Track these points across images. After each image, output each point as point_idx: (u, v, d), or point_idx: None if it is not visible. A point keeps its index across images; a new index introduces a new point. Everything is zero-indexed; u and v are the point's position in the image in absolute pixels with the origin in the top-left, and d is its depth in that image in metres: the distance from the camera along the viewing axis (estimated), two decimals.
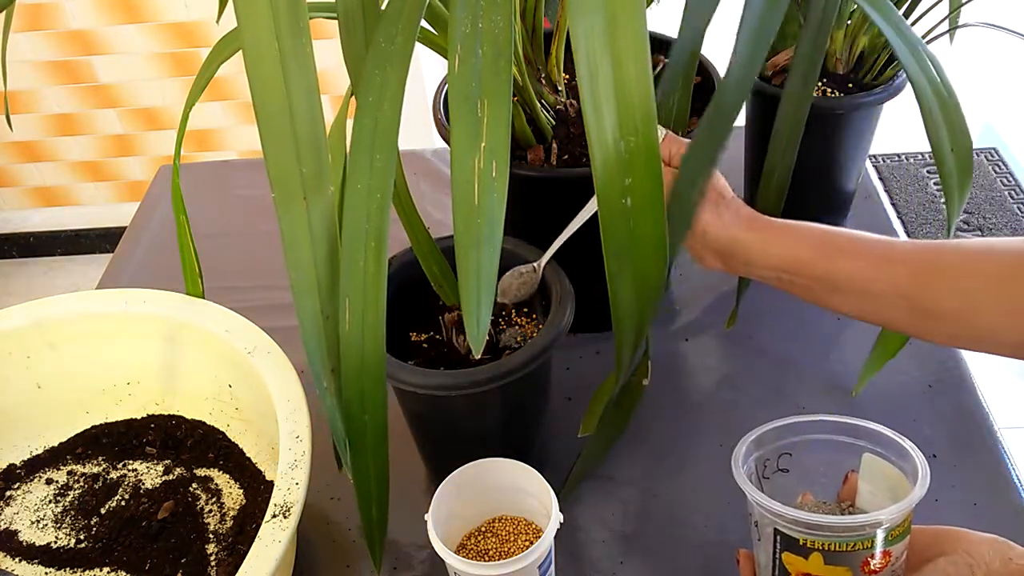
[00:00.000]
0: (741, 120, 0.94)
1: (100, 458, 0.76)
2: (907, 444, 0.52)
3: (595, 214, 0.54)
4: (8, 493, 0.74)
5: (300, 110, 0.42)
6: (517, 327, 0.68)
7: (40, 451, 0.77)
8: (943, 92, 0.66)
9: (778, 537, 0.50)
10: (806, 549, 0.48)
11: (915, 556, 0.50)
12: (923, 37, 0.82)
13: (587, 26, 0.40)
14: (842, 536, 0.47)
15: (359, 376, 0.46)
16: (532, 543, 0.61)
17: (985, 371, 1.72)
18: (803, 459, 0.55)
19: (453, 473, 0.62)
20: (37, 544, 0.70)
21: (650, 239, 0.44)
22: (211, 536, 0.69)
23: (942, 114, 0.66)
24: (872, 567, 0.48)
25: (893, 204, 2.13)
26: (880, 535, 0.47)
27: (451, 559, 0.57)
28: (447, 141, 0.69)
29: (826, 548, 0.48)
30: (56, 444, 0.77)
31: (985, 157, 2.23)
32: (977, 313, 0.51)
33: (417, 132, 1.74)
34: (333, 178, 0.55)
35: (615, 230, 0.43)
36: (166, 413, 0.78)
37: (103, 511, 0.72)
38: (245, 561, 0.54)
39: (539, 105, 0.74)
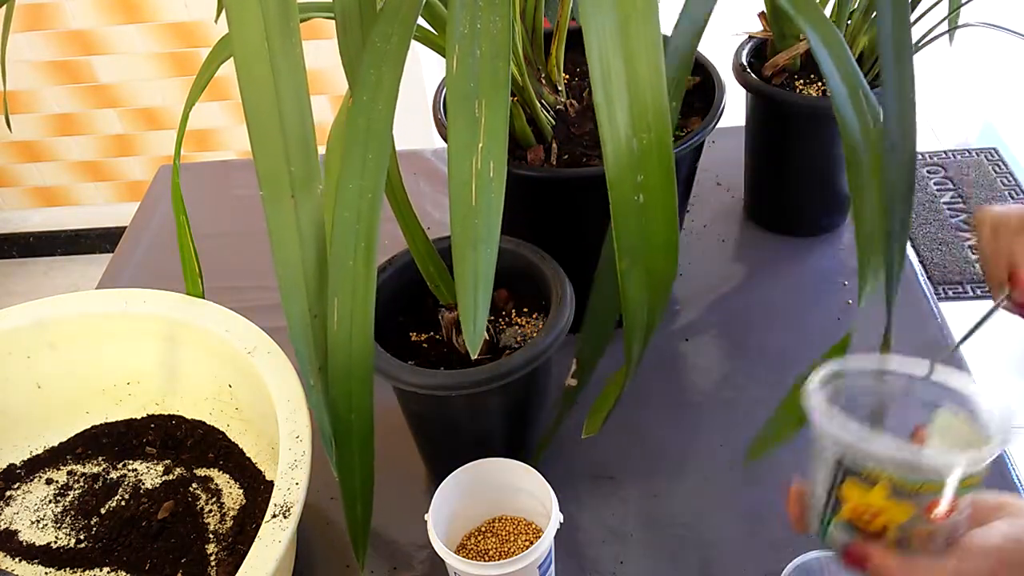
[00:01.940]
0: (741, 120, 0.94)
1: (100, 458, 0.76)
2: (987, 397, 0.48)
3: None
4: (8, 493, 0.74)
5: (289, 109, 0.42)
6: (517, 327, 0.68)
7: (40, 451, 0.77)
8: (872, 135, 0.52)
9: (844, 465, 0.47)
10: (871, 480, 0.46)
11: (976, 519, 0.48)
12: (923, 37, 0.82)
13: (599, 23, 0.40)
14: (913, 474, 0.45)
15: (346, 375, 0.46)
16: (532, 543, 0.61)
17: (985, 371, 1.73)
18: (873, 404, 0.52)
19: (453, 473, 0.62)
20: (37, 544, 0.70)
21: (661, 236, 0.44)
22: (211, 536, 0.69)
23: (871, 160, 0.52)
24: (936, 514, 0.46)
25: None
26: (954, 480, 0.45)
27: (451, 559, 0.57)
28: (446, 141, 0.69)
29: (892, 483, 0.45)
30: (56, 444, 0.77)
31: (985, 157, 2.23)
32: None
33: (417, 132, 1.74)
34: (331, 178, 0.55)
35: (627, 227, 0.43)
36: (166, 413, 0.78)
37: (103, 511, 0.72)
38: (245, 561, 0.54)
39: (539, 105, 0.74)
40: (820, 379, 0.50)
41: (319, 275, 0.44)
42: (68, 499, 0.73)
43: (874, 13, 0.81)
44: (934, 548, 0.47)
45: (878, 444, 0.45)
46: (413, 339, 0.69)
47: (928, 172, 2.20)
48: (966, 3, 0.82)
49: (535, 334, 0.67)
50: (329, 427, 0.48)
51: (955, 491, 0.45)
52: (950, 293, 1.88)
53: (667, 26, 0.73)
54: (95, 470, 0.75)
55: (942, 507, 0.45)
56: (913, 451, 0.45)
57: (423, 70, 1.79)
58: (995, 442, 0.45)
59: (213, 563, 0.67)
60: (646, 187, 0.43)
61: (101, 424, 0.78)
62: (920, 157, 2.25)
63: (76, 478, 0.75)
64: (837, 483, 0.48)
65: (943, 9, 0.81)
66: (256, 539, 0.55)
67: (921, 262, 1.94)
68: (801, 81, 0.88)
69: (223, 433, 0.76)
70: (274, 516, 0.57)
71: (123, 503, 0.72)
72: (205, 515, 0.71)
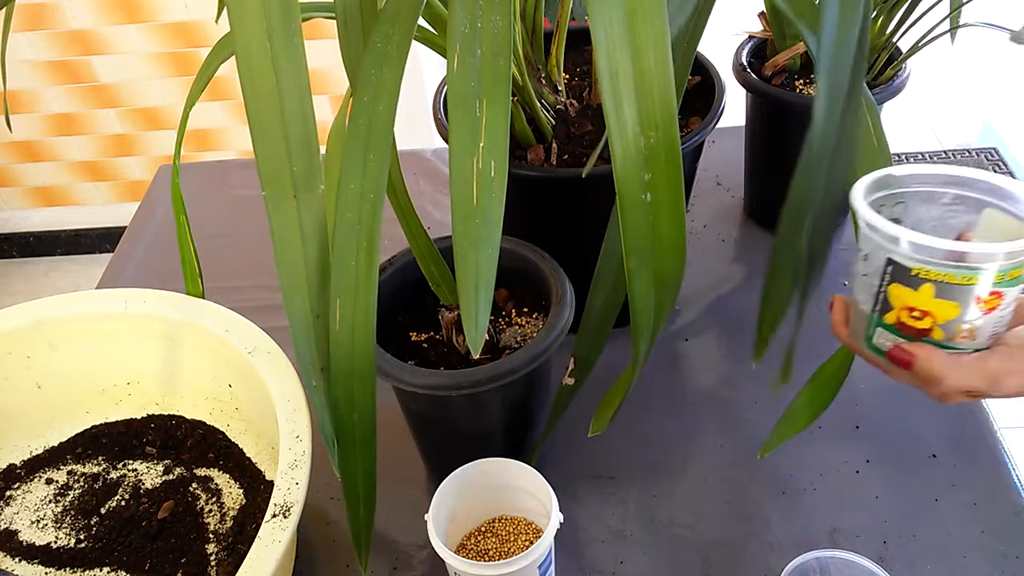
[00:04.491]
0: (741, 120, 0.94)
1: (100, 458, 0.76)
2: None
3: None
4: (8, 493, 0.74)
5: (291, 109, 0.42)
6: (517, 327, 0.68)
7: (40, 451, 0.77)
8: (874, 142, 0.57)
9: (889, 267, 0.47)
10: (918, 280, 0.46)
11: (1017, 319, 0.48)
12: (923, 37, 0.82)
13: (606, 20, 0.40)
14: (959, 266, 0.45)
15: (348, 376, 0.46)
16: (532, 543, 0.61)
17: None
18: (918, 211, 0.52)
19: (453, 473, 0.62)
20: (37, 544, 0.70)
21: (669, 235, 0.44)
22: (211, 536, 0.69)
23: (867, 165, 0.55)
24: (981, 307, 0.46)
25: None
26: (995, 268, 0.45)
27: (451, 559, 0.57)
28: (447, 141, 0.69)
29: (940, 280, 0.45)
30: (56, 444, 0.77)
31: (985, 157, 2.23)
32: None
33: (417, 132, 1.74)
34: (331, 178, 0.55)
35: (635, 226, 0.43)
36: (166, 413, 0.78)
37: (103, 511, 0.72)
38: (245, 561, 0.54)
39: (539, 105, 0.74)
40: (867, 185, 0.50)
41: (321, 275, 0.44)
42: (68, 499, 0.73)
43: (874, 13, 0.81)
44: (980, 343, 0.47)
45: (924, 238, 0.45)
46: (413, 339, 0.69)
47: None
48: (966, 3, 0.82)
49: (535, 334, 0.67)
50: (331, 428, 0.48)
51: (998, 282, 0.45)
52: None
53: None
54: (95, 470, 0.75)
55: (982, 292, 0.45)
56: (957, 243, 0.45)
57: (423, 70, 1.79)
58: None
59: (213, 563, 0.67)
60: (654, 185, 0.43)
61: (101, 424, 0.78)
62: (920, 157, 2.25)
63: (76, 478, 0.75)
64: (885, 285, 0.48)
65: (943, 9, 0.81)
66: (256, 539, 0.55)
67: None
68: (801, 81, 0.88)
69: (223, 433, 0.76)
70: (274, 516, 0.57)
71: (123, 503, 0.72)
72: (205, 515, 0.71)
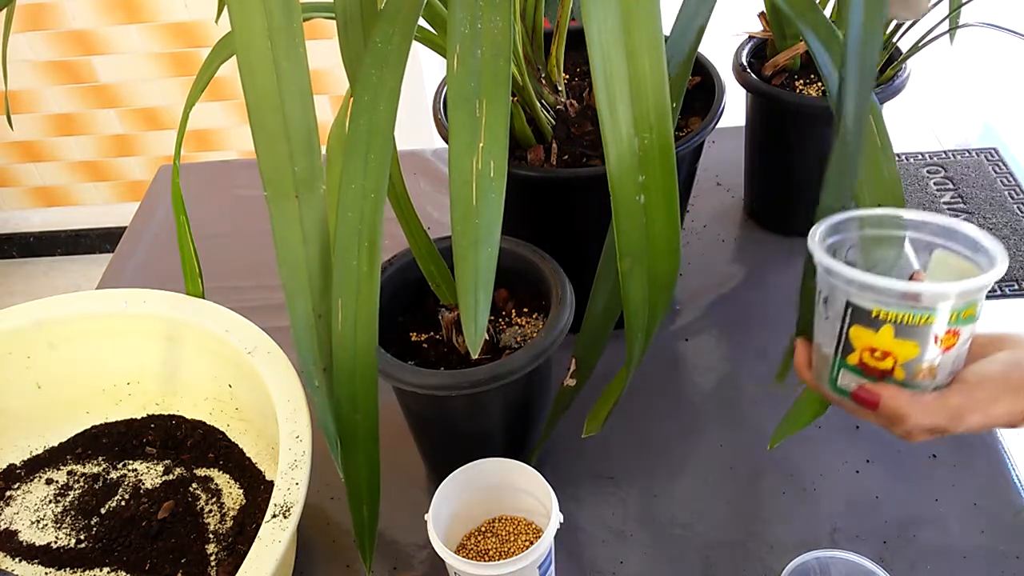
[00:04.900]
0: (741, 120, 0.94)
1: (100, 458, 0.76)
2: (983, 237, 0.50)
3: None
4: (8, 493, 0.74)
5: (293, 109, 0.42)
6: (517, 327, 0.68)
7: (40, 451, 0.77)
8: (876, 142, 0.57)
9: (849, 310, 0.48)
10: (878, 321, 0.47)
11: (974, 355, 0.49)
12: (923, 37, 0.82)
13: (601, 21, 0.40)
14: (917, 307, 0.46)
15: (351, 376, 0.46)
16: (532, 543, 0.61)
17: None
18: (872, 255, 0.54)
19: (453, 473, 0.62)
20: (37, 544, 0.70)
21: (663, 236, 0.44)
22: (211, 536, 0.69)
23: (870, 162, 0.56)
24: (939, 345, 0.47)
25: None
26: (951, 306, 0.46)
27: (451, 559, 0.57)
28: (447, 141, 0.69)
29: (898, 320, 0.47)
30: (56, 444, 0.77)
31: (985, 157, 2.23)
32: None
33: (417, 132, 1.74)
34: (332, 178, 0.55)
35: (628, 227, 0.44)
36: (166, 413, 0.78)
37: (103, 511, 0.72)
38: (245, 561, 0.54)
39: (539, 105, 0.74)
40: (823, 230, 0.52)
41: (323, 275, 0.45)
42: (68, 499, 0.73)
43: None
44: (940, 382, 0.48)
45: (882, 280, 0.46)
46: (413, 339, 0.69)
47: (928, 172, 2.20)
48: (966, 3, 0.82)
49: (535, 334, 0.67)
50: (334, 429, 0.48)
51: (954, 320, 0.47)
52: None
53: (666, 26, 0.73)
54: (95, 470, 0.75)
55: (939, 331, 0.46)
56: (912, 284, 0.46)
57: (423, 70, 1.79)
58: (986, 271, 0.47)
59: (213, 563, 0.67)
60: (648, 187, 0.43)
61: (101, 424, 0.78)
62: (920, 157, 2.25)
63: (76, 478, 0.75)
64: (846, 328, 0.49)
65: (943, 9, 0.81)
66: (256, 539, 0.55)
67: None
68: (801, 81, 0.88)
69: (223, 433, 0.76)
70: (274, 516, 0.57)
71: (123, 503, 0.72)
72: (205, 515, 0.71)
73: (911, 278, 0.52)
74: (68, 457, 0.76)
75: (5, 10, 0.59)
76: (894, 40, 0.85)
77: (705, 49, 0.76)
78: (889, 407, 0.48)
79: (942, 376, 0.49)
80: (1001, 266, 0.47)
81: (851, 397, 0.50)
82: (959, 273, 0.50)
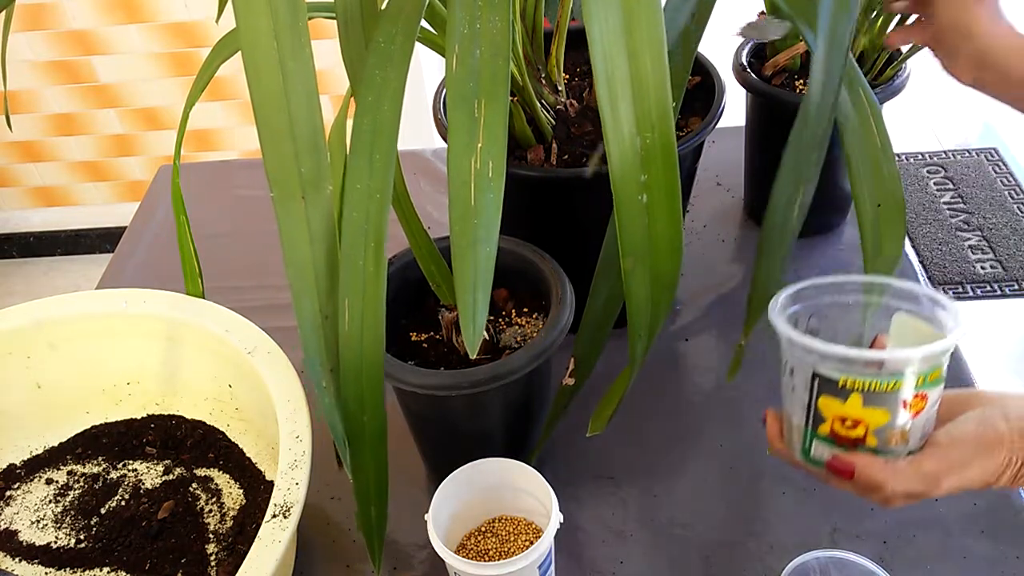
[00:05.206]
0: (741, 120, 0.94)
1: (100, 458, 0.76)
2: (942, 299, 0.50)
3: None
4: (8, 493, 0.74)
5: (299, 109, 0.42)
6: (517, 327, 0.68)
7: (40, 451, 0.77)
8: (876, 142, 0.58)
9: (816, 381, 0.48)
10: (845, 391, 0.48)
11: (946, 415, 0.50)
12: None
13: (602, 21, 0.40)
14: (882, 374, 0.47)
15: (358, 376, 0.46)
16: (532, 543, 0.61)
17: (985, 371, 1.72)
18: (834, 322, 0.54)
19: (453, 473, 0.62)
20: (37, 544, 0.70)
21: (666, 235, 0.44)
22: (211, 536, 0.69)
23: (870, 162, 0.57)
24: (908, 410, 0.47)
25: None
26: (915, 372, 0.47)
27: (451, 559, 0.57)
28: (446, 141, 0.69)
29: (866, 388, 0.47)
30: (56, 444, 0.77)
31: (985, 157, 2.23)
32: None
33: (417, 132, 1.74)
34: (333, 178, 0.55)
35: (631, 227, 0.44)
36: (166, 413, 0.78)
37: (103, 511, 0.72)
38: (245, 561, 0.54)
39: (539, 105, 0.74)
40: (783, 300, 0.52)
41: (330, 276, 0.44)
42: (68, 499, 0.73)
43: (874, 12, 0.81)
44: (913, 446, 0.49)
45: (844, 350, 0.47)
46: (413, 339, 0.69)
47: (928, 172, 2.20)
48: None
49: (535, 334, 0.67)
50: (342, 429, 0.48)
51: (920, 384, 0.47)
52: (950, 293, 1.88)
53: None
54: (95, 470, 0.75)
55: (907, 396, 0.47)
56: (877, 352, 0.47)
57: (423, 70, 1.79)
58: (947, 334, 0.48)
59: (213, 563, 0.67)
60: (650, 186, 0.43)
61: (101, 424, 0.78)
62: (920, 157, 2.25)
63: (76, 478, 0.75)
64: (814, 399, 0.49)
65: None
66: (256, 539, 0.55)
67: (921, 262, 1.94)
68: (801, 81, 0.88)
69: (223, 433, 0.76)
70: (274, 516, 0.57)
71: (123, 503, 0.72)
72: (205, 515, 0.71)
73: (873, 342, 0.53)
74: (68, 457, 0.76)
75: (5, 10, 0.59)
76: None
77: (705, 49, 0.76)
78: (864, 476, 0.48)
79: (915, 440, 0.49)
80: (962, 327, 0.48)
81: (825, 467, 0.50)
82: (920, 335, 0.50)
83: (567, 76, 0.83)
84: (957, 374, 0.80)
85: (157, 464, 0.75)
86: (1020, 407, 0.48)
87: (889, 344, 0.52)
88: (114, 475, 0.75)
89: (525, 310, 0.70)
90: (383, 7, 0.47)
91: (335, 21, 0.50)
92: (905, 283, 0.51)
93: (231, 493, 0.72)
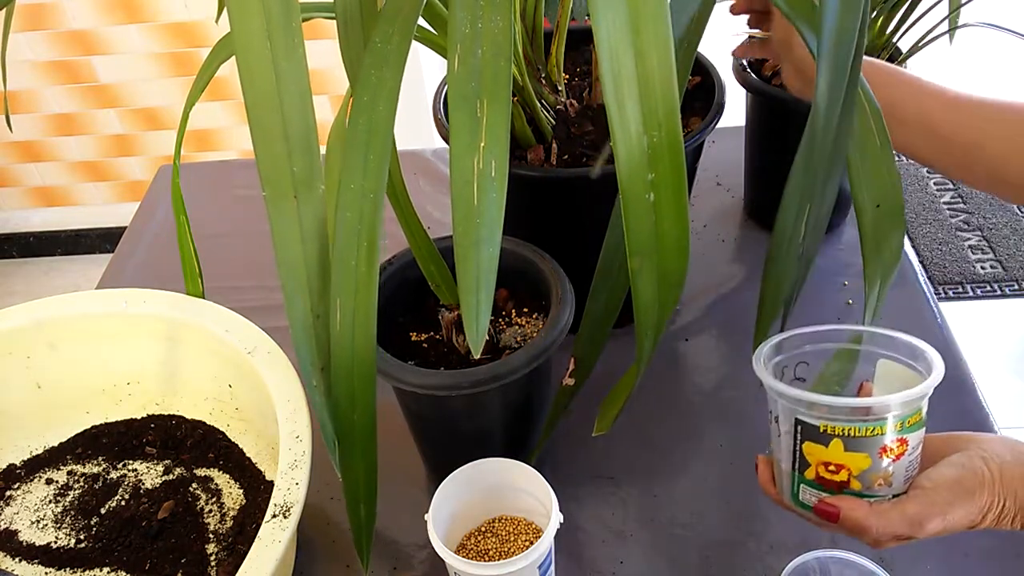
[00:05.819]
0: (741, 120, 0.94)
1: (100, 458, 0.76)
2: (921, 344, 0.52)
3: None
4: (8, 493, 0.74)
5: (292, 109, 0.42)
6: (517, 327, 0.68)
7: (40, 451, 0.77)
8: (876, 141, 0.58)
9: (799, 427, 0.50)
10: (826, 436, 0.49)
11: (928, 459, 0.51)
12: (923, 37, 0.82)
13: (609, 20, 0.40)
14: (861, 420, 0.48)
15: (349, 376, 0.46)
16: (532, 543, 0.61)
17: (985, 371, 1.73)
18: (820, 368, 0.56)
19: (453, 473, 0.62)
20: (37, 544, 0.70)
21: (673, 234, 0.45)
22: (211, 536, 0.69)
23: (870, 162, 0.57)
24: (889, 454, 0.49)
25: None
26: (894, 417, 0.48)
27: (451, 559, 0.57)
28: (447, 141, 0.68)
29: (846, 434, 0.49)
30: (56, 444, 0.77)
31: None
32: (985, 148, 0.55)
33: (417, 132, 1.74)
34: (331, 178, 0.55)
35: (638, 226, 0.44)
36: (166, 413, 0.78)
37: (103, 511, 0.72)
38: (245, 561, 0.54)
39: (539, 105, 0.74)
40: (767, 351, 0.54)
41: (321, 275, 0.44)
42: (68, 499, 0.73)
43: (874, 13, 0.81)
44: (896, 489, 0.50)
45: (823, 398, 0.49)
46: (413, 339, 0.69)
47: (928, 172, 2.20)
48: (966, 3, 0.82)
49: (535, 334, 0.67)
50: (332, 428, 0.48)
51: (900, 429, 0.48)
52: (950, 293, 1.88)
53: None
54: (95, 470, 0.75)
55: (889, 442, 0.48)
56: (855, 400, 0.49)
57: (423, 70, 1.79)
58: (925, 379, 0.49)
59: (213, 563, 0.67)
60: (657, 185, 0.43)
61: (101, 424, 0.78)
62: None
63: (76, 478, 0.75)
64: (799, 445, 0.51)
65: (943, 9, 0.81)
66: (256, 539, 0.55)
67: (921, 262, 1.94)
68: None
69: (223, 433, 0.76)
70: (274, 516, 0.57)
71: (123, 503, 0.72)
72: (205, 515, 0.71)
73: (860, 389, 0.55)
74: (68, 457, 0.76)
75: (5, 10, 0.59)
76: (894, 40, 0.85)
77: (705, 49, 0.76)
78: (850, 519, 0.49)
79: (898, 483, 0.50)
80: (937, 373, 0.49)
81: (813, 511, 0.51)
82: (904, 381, 0.52)
83: (567, 76, 0.83)
84: (957, 375, 0.80)
85: (157, 464, 0.75)
86: (999, 450, 0.49)
87: (875, 390, 0.54)
88: (114, 475, 0.75)
89: (525, 310, 0.70)
90: (381, 7, 0.47)
91: (335, 21, 0.50)
92: (887, 330, 0.54)
93: (231, 493, 0.72)
